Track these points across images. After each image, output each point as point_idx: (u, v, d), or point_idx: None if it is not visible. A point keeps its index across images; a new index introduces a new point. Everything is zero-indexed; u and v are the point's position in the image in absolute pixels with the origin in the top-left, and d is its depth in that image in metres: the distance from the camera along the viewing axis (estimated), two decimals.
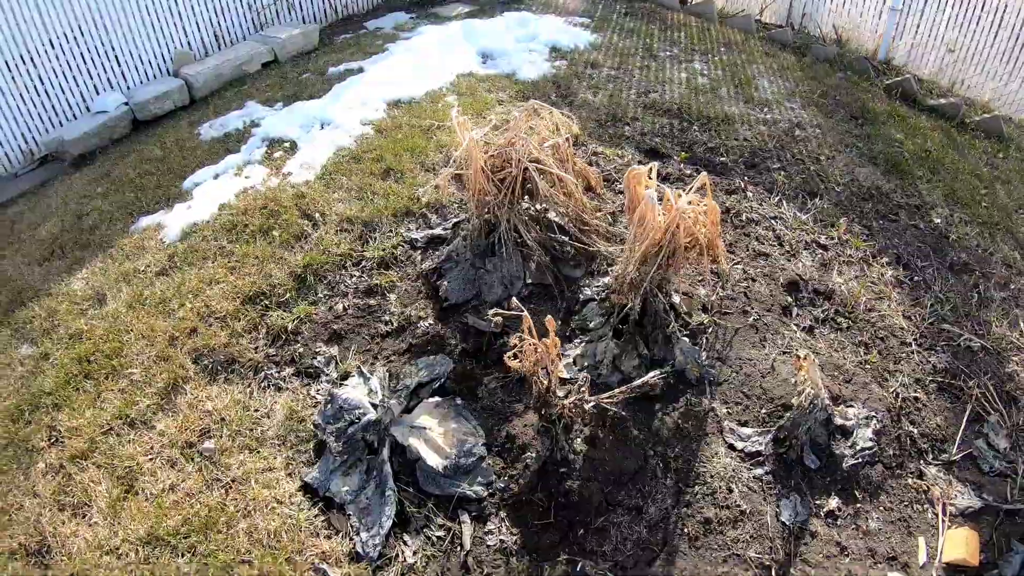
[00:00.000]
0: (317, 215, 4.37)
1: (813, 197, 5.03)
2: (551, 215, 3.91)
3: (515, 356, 2.64)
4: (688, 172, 5.05)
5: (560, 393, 2.79)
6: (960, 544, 2.89)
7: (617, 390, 2.95)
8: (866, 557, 2.83)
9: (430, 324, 3.60)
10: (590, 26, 7.60)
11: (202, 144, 5.55)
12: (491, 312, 2.85)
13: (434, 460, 2.85)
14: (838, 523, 2.93)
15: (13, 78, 5.94)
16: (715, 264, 3.34)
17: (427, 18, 7.95)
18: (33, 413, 3.65)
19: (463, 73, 6.20)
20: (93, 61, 6.32)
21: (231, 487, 3.03)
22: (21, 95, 6.02)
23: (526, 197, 3.78)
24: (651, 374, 3.04)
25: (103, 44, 6.32)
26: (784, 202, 4.91)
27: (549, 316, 2.63)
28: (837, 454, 3.10)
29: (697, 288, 3.91)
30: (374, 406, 2.99)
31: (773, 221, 4.66)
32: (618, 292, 3.26)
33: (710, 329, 3.67)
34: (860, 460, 3.10)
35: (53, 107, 6.30)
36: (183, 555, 2.83)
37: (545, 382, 2.64)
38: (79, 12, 6.07)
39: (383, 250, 4.08)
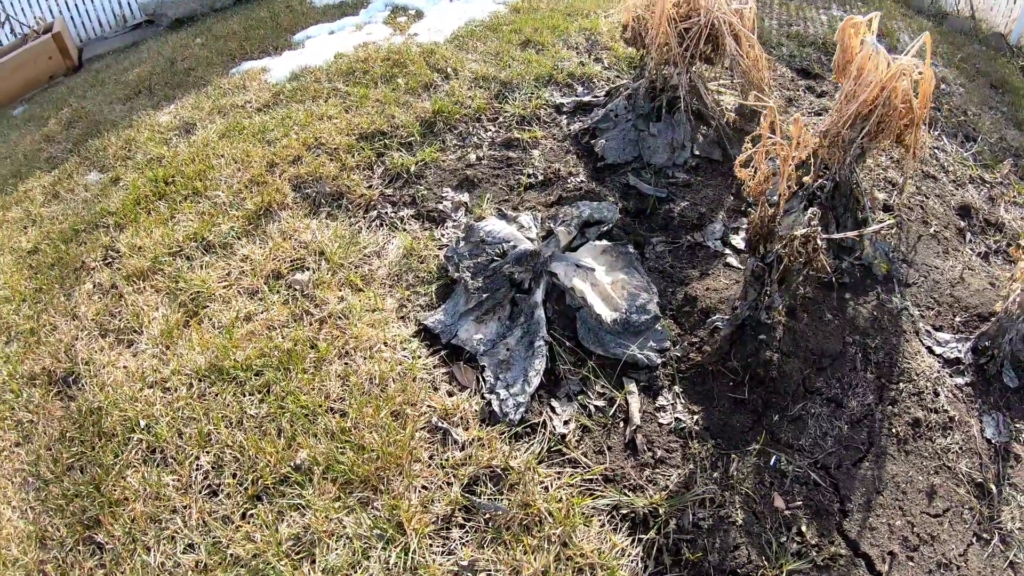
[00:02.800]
0: (448, 69, 3.65)
1: (969, 140, 4.29)
2: (718, 88, 3.14)
3: (746, 163, 1.86)
4: None
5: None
6: None
7: (850, 232, 2.17)
8: None
9: (582, 180, 2.84)
10: None
11: (315, 8, 4.91)
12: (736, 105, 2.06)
13: (602, 309, 2.09)
14: None
15: None
16: (912, 154, 2.58)
17: None
18: (90, 233, 2.99)
19: None
20: None
21: (325, 323, 2.30)
22: None
23: (702, 61, 3.01)
24: (881, 223, 2.27)
25: None
26: (944, 137, 4.15)
27: (797, 115, 1.84)
28: None
29: (875, 191, 3.14)
30: (529, 239, 2.23)
31: (935, 151, 3.94)
32: (828, 148, 2.50)
33: (893, 230, 2.90)
34: None
35: None
36: (251, 394, 2.11)
37: (771, 208, 1.86)
38: None
39: (524, 109, 3.33)
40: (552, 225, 2.39)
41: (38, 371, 2.45)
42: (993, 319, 2.48)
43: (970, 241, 3.26)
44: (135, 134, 3.68)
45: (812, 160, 2.66)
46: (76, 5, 5.75)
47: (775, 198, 1.91)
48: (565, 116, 3.30)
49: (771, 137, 1.79)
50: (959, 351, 2.44)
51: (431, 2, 4.57)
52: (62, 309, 2.67)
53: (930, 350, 2.43)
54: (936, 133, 4.29)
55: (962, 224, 3.35)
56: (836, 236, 2.14)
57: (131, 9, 5.78)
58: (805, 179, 2.65)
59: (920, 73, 2.59)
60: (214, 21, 5.15)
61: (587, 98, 3.39)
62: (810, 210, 2.00)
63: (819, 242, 1.94)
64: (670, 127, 2.97)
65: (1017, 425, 2.26)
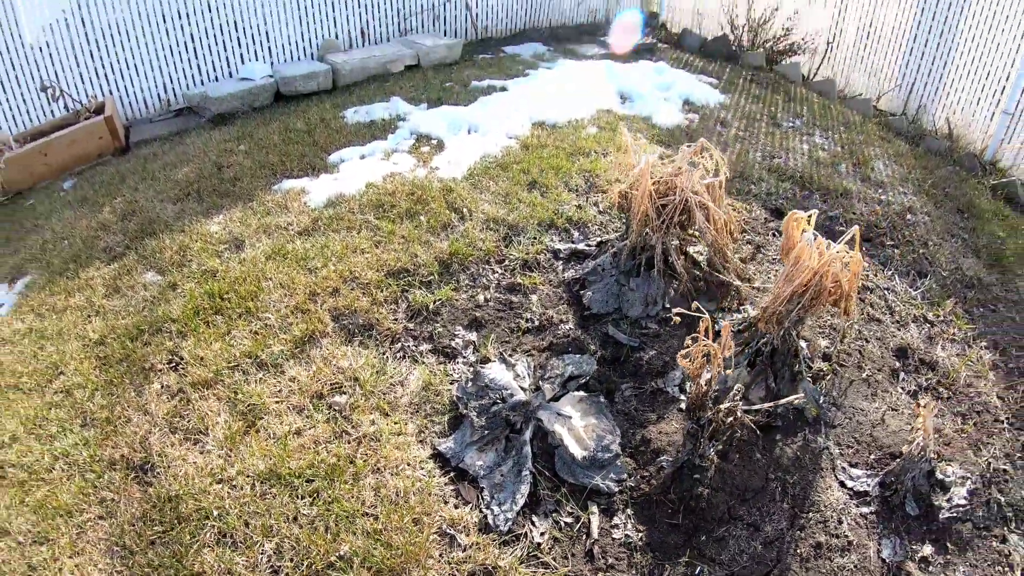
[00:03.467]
0: (464, 210, 4.56)
1: (922, 276, 5.17)
2: (691, 249, 4.05)
3: (685, 356, 2.74)
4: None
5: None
6: None
7: (766, 405, 3.04)
8: None
9: (571, 328, 3.72)
10: (718, 87, 7.86)
11: (347, 126, 5.82)
12: (675, 311, 2.94)
13: (575, 449, 2.93)
14: (929, 570, 2.99)
15: (167, 31, 6.36)
16: (846, 315, 3.47)
17: (564, 53, 8.28)
18: (154, 335, 3.82)
19: (603, 108, 6.44)
20: (244, 31, 6.71)
21: (361, 442, 3.14)
22: (170, 47, 6.41)
23: (678, 227, 3.92)
24: (793, 397, 3.14)
25: (255, 16, 6.70)
26: (896, 276, 5.04)
27: (726, 322, 2.73)
28: (935, 505, 3.21)
29: (818, 339, 4.01)
30: (522, 389, 3.09)
31: (886, 292, 4.82)
32: (764, 321, 3.38)
33: (828, 377, 3.78)
34: (954, 515, 3.20)
35: (198, 66, 6.69)
36: (303, 498, 2.93)
37: (704, 386, 2.74)
38: None
39: (527, 254, 4.23)
40: (542, 376, 3.26)
41: (117, 457, 3.24)
42: (900, 459, 3.34)
43: (902, 380, 4.11)
44: (188, 241, 4.53)
45: (768, 316, 3.54)
46: (125, 87, 6.63)
47: (707, 376, 2.79)
48: (561, 262, 4.20)
49: (705, 341, 2.67)
50: (868, 485, 3.29)
51: (451, 132, 5.52)
52: (134, 404, 3.47)
53: (842, 484, 3.28)
54: (889, 273, 5.17)
55: (897, 365, 4.19)
56: (755, 407, 3.00)
57: (175, 95, 6.69)
58: (761, 325, 3.54)
59: (849, 258, 3.44)
60: (255, 124, 6.05)
61: (581, 246, 4.29)
62: (736, 386, 2.88)
63: (739, 413, 2.81)
64: (647, 283, 3.86)
65: (913, 547, 3.10)
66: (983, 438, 3.80)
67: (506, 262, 4.20)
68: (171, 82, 6.68)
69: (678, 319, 2.95)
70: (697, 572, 2.76)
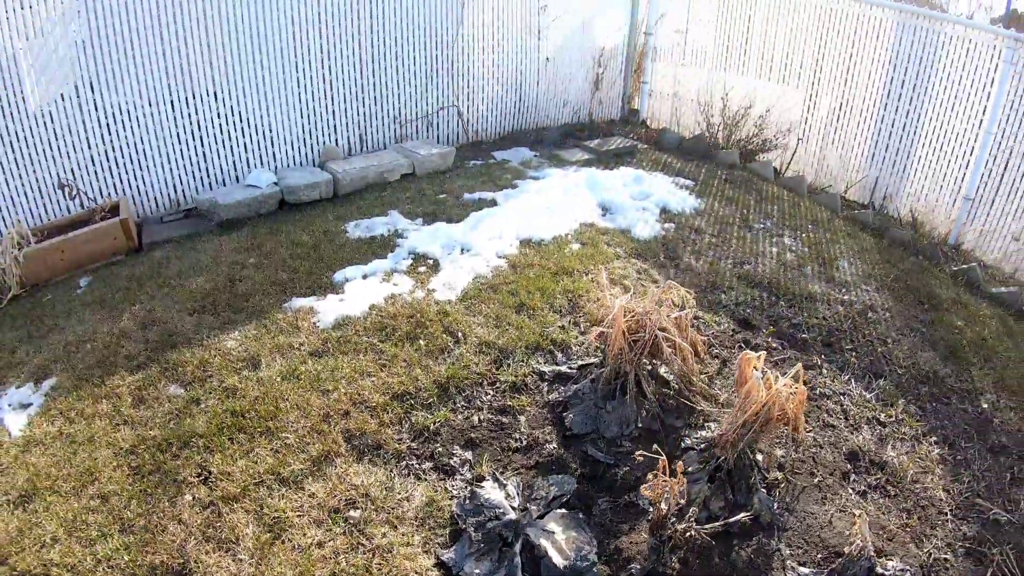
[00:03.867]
0: (459, 334, 5.29)
1: (878, 378, 5.88)
2: (662, 371, 4.82)
3: (648, 488, 3.46)
4: (774, 345, 5.96)
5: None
6: None
7: (719, 523, 3.76)
8: None
9: (554, 448, 4.43)
10: (694, 189, 8.71)
11: (350, 241, 6.57)
12: (637, 454, 3.67)
13: (557, 559, 3.61)
14: None
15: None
16: (796, 433, 4.22)
17: (551, 160, 9.14)
18: (182, 449, 4.45)
19: (586, 223, 7.25)
20: (250, 137, 7.51)
21: (375, 553, 3.79)
22: (181, 151, 7.19)
23: (649, 356, 4.68)
24: (742, 515, 3.85)
25: (261, 123, 7.51)
26: (852, 380, 5.75)
27: (680, 462, 3.47)
28: None
29: (775, 449, 4.74)
30: (512, 508, 3.79)
31: (842, 397, 5.51)
32: (720, 447, 4.12)
33: (782, 485, 4.49)
34: None
35: (207, 169, 7.44)
36: None
37: (664, 509, 3.45)
38: (248, 93, 7.30)
39: (516, 376, 4.96)
40: (529, 496, 3.97)
41: (157, 563, 3.82)
42: (840, 559, 4.03)
43: (852, 482, 4.82)
44: (208, 356, 5.18)
45: (723, 441, 4.28)
46: (137, 187, 7.33)
47: (664, 505, 3.50)
48: (546, 384, 4.93)
49: (663, 478, 3.40)
50: None
51: (446, 252, 6.28)
52: (168, 513, 4.07)
53: None
54: (846, 378, 5.87)
55: (848, 468, 4.85)
56: (707, 528, 3.72)
57: (185, 198, 7.43)
58: (715, 450, 4.26)
59: (797, 388, 4.18)
60: (263, 234, 6.74)
61: (564, 368, 5.02)
62: (691, 508, 3.59)
63: (693, 532, 3.51)
64: (622, 406, 4.59)
65: None
66: (926, 531, 4.50)
67: (497, 384, 4.92)
68: (180, 183, 7.40)
69: (640, 457, 3.67)
70: None
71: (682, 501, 3.83)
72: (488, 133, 9.81)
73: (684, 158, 10.12)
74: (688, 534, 3.54)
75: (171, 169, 7.31)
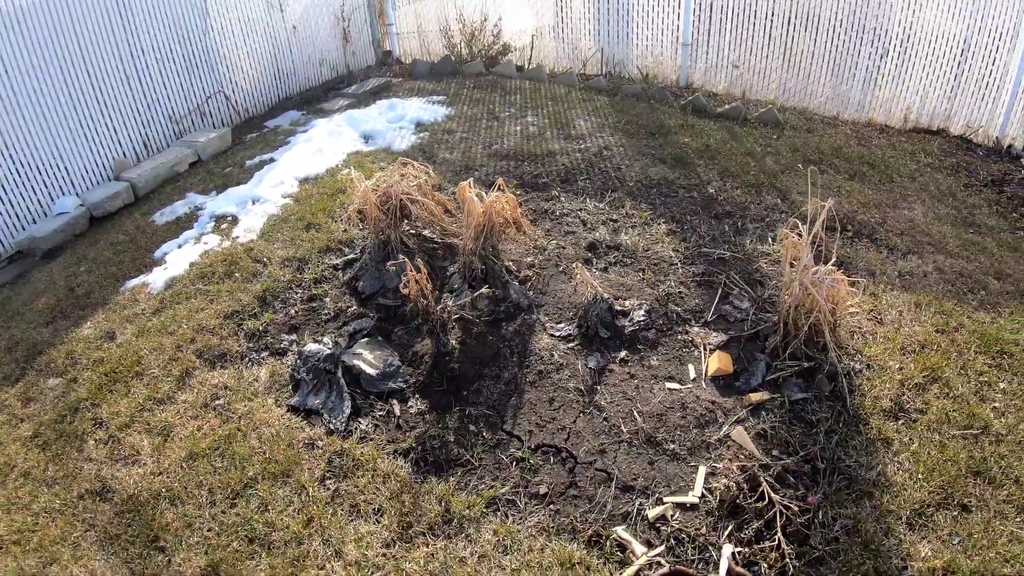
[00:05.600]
0: (264, 259, 6.48)
1: (610, 192, 7.47)
2: (426, 232, 6.19)
3: (403, 287, 4.85)
4: (518, 192, 7.45)
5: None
6: (720, 361, 4.83)
7: (467, 297, 5.21)
8: (650, 380, 5.01)
9: (355, 309, 5.74)
10: (446, 102, 10.10)
11: (159, 228, 7.58)
12: (388, 264, 5.04)
13: (370, 370, 4.94)
14: (629, 366, 5.14)
15: None
16: (523, 234, 5.67)
17: (316, 113, 10.29)
18: (75, 414, 5.44)
19: (351, 152, 8.50)
20: (47, 171, 8.26)
21: (241, 418, 5.02)
22: None
23: (405, 220, 6.04)
24: (484, 289, 5.30)
25: (54, 156, 8.27)
26: (587, 199, 7.31)
27: (419, 261, 4.85)
28: (619, 326, 5.34)
29: (525, 258, 6.21)
30: (328, 348, 5.10)
31: (579, 212, 7.04)
32: (464, 255, 5.52)
33: (533, 278, 5.97)
34: (636, 328, 5.33)
35: (16, 213, 8.15)
36: (217, 459, 4.78)
37: (424, 302, 4.84)
38: (30, 128, 8.04)
39: (316, 274, 6.21)
40: (339, 338, 5.29)
41: (83, 492, 4.81)
42: (581, 307, 5.52)
43: (596, 263, 6.33)
44: (72, 347, 6.13)
45: (465, 252, 5.68)
46: None
47: (423, 301, 4.88)
48: (341, 270, 6.22)
49: (415, 275, 4.76)
50: (569, 329, 5.44)
51: (240, 207, 7.39)
52: (80, 458, 5.04)
53: (552, 335, 5.42)
54: (582, 199, 7.38)
55: (589, 255, 6.33)
56: (460, 302, 5.14)
57: (4, 245, 8.14)
58: (462, 260, 5.67)
59: (507, 197, 5.59)
60: (84, 247, 7.60)
61: (351, 256, 6.32)
62: (458, 303, 4.99)
63: (451, 308, 4.92)
64: (393, 257, 5.93)
65: (612, 355, 5.16)
66: (660, 279, 6.03)
67: (303, 284, 6.16)
68: None
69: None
70: (467, 413, 4.84)
71: (449, 303, 5.23)
72: (258, 107, 10.81)
73: (436, 80, 11.45)
74: (447, 313, 4.94)
75: None
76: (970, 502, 4.12)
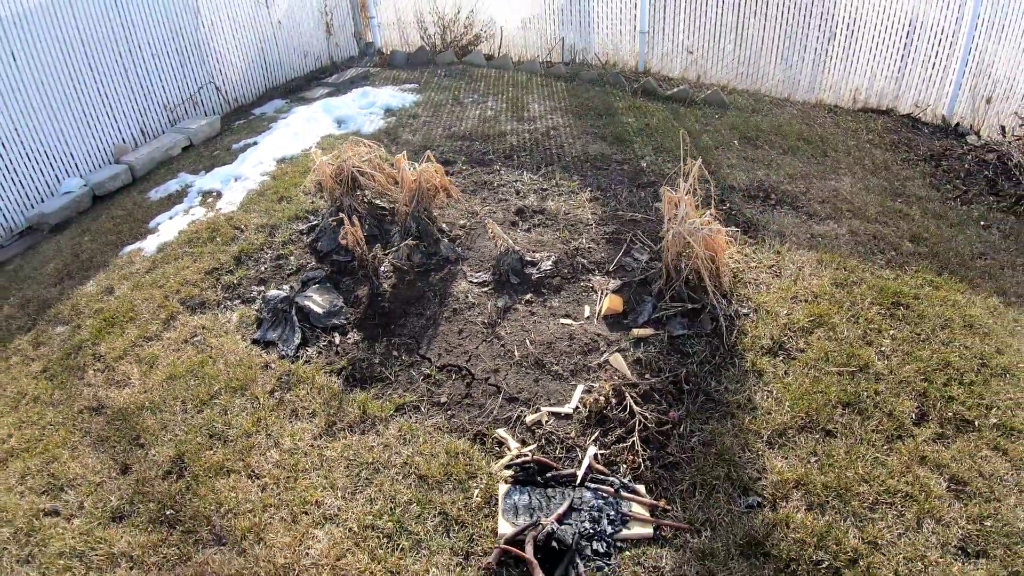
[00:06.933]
0: (242, 226, 7.82)
1: (546, 165, 8.65)
2: (377, 201, 7.55)
3: (342, 238, 6.20)
4: (464, 168, 8.73)
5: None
6: (612, 302, 5.83)
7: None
8: (548, 317, 6.23)
9: (314, 264, 7.06)
10: (416, 89, 11.39)
11: (154, 203, 8.94)
12: (333, 221, 6.38)
13: (319, 310, 6.27)
14: (532, 306, 6.35)
15: None
16: (452, 199, 6.99)
17: (297, 101, 11.63)
18: (78, 352, 6.73)
19: (325, 135, 9.84)
20: (53, 155, 9.64)
21: (212, 349, 6.36)
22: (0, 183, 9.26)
23: (358, 190, 7.39)
24: (409, 240, 6.62)
25: (60, 141, 9.65)
26: (524, 173, 8.50)
27: (355, 218, 6.19)
28: (527, 273, 6.57)
29: (458, 221, 7.51)
30: (285, 292, 6.48)
31: (515, 183, 8.24)
32: (400, 215, 6.84)
33: (463, 237, 7.24)
34: (542, 275, 6.55)
35: (27, 193, 9.52)
36: (191, 380, 6.10)
37: (359, 250, 6.19)
38: (38, 116, 9.46)
39: (284, 238, 7.55)
40: (295, 284, 6.65)
41: (82, 408, 6.08)
42: (495, 259, 6.82)
43: (521, 225, 7.62)
44: (76, 301, 7.47)
45: (400, 214, 7.02)
46: None
47: (357, 250, 6.22)
48: (305, 235, 7.57)
49: (352, 230, 6.11)
50: (484, 276, 6.69)
51: (225, 184, 8.73)
52: (81, 385, 6.35)
53: (470, 281, 6.67)
54: (519, 172, 8.60)
55: (516, 219, 7.61)
56: (391, 251, 6.49)
57: (15, 222, 9.54)
58: (398, 221, 7.02)
59: (434, 167, 6.94)
60: (88, 221, 8.94)
61: (315, 222, 7.66)
62: (377, 245, 6.33)
63: (377, 261, 6.26)
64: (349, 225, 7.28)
65: (519, 297, 6.35)
66: (574, 237, 7.28)
67: (273, 246, 7.49)
68: (8, 211, 9.41)
69: (349, 242, 6.39)
70: (392, 342, 6.14)
71: (381, 253, 6.57)
72: (246, 97, 12.16)
73: (411, 69, 12.76)
74: (379, 260, 6.31)
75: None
76: (835, 429, 4.69)
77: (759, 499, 4.30)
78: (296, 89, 12.27)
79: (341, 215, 6.98)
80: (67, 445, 5.38)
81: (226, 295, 6.95)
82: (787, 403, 4.95)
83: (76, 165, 9.83)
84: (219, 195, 8.59)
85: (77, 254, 8.25)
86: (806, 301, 5.95)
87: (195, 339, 6.44)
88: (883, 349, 5.41)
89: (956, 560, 3.90)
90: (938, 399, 4.94)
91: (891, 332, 5.59)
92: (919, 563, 3.89)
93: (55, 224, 9.23)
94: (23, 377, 6.43)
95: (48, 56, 9.24)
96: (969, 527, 4.07)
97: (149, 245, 7.89)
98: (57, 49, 9.35)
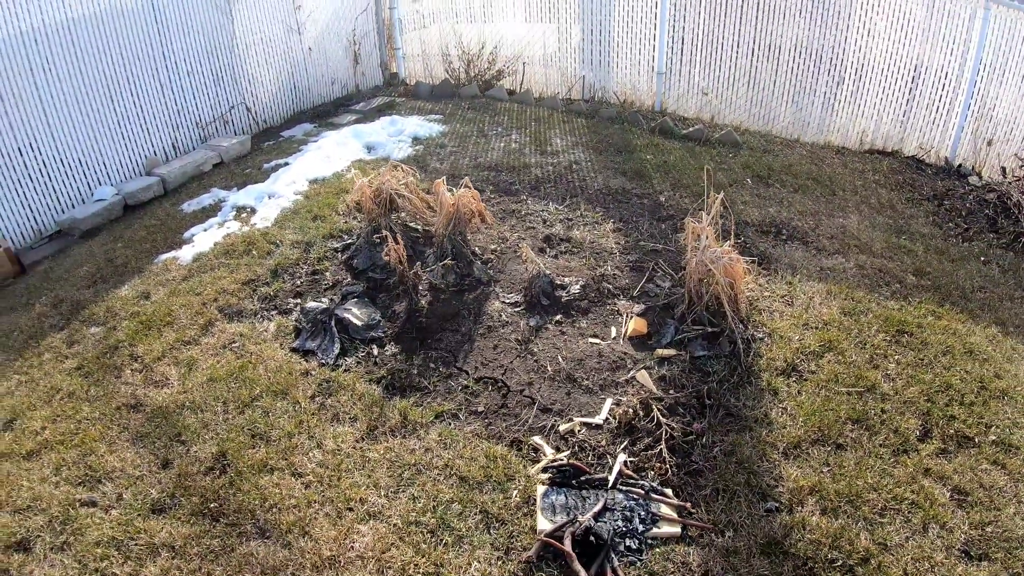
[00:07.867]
0: (277, 241, 8.22)
1: (571, 197, 9.04)
2: (411, 224, 8.01)
3: (385, 254, 6.64)
4: (493, 196, 9.14)
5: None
6: (637, 324, 6.14)
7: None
8: (577, 336, 6.60)
9: (351, 280, 7.47)
10: (442, 120, 11.85)
11: (187, 215, 9.36)
12: (374, 235, 6.84)
13: (357, 322, 6.68)
14: (562, 326, 6.72)
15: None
16: (487, 224, 7.46)
17: (326, 126, 12.12)
18: (114, 352, 7.03)
19: (355, 160, 10.28)
20: (87, 164, 10.08)
21: (252, 355, 6.75)
22: (34, 187, 9.64)
23: (394, 212, 7.86)
24: (447, 260, 7.05)
25: (94, 150, 10.09)
26: (550, 203, 8.88)
27: (399, 235, 6.65)
28: (557, 296, 6.95)
29: (490, 245, 7.91)
30: (325, 304, 6.90)
31: (541, 212, 8.63)
32: (436, 237, 7.28)
33: (495, 260, 7.61)
34: (571, 298, 6.95)
35: (59, 198, 9.94)
36: (231, 383, 6.50)
37: (400, 267, 6.63)
38: (75, 124, 9.92)
39: (319, 254, 7.97)
40: (334, 297, 7.09)
41: (120, 405, 6.41)
42: (527, 281, 7.25)
43: (549, 252, 8.08)
44: (111, 304, 7.79)
45: (438, 234, 7.47)
46: (5, 221, 9.73)
47: (406, 273, 6.67)
48: (340, 252, 8.01)
49: (396, 249, 6.56)
50: (516, 297, 7.04)
51: (258, 201, 9.17)
52: (118, 383, 6.60)
53: (503, 302, 7.04)
54: (545, 203, 9.03)
55: (544, 246, 8.03)
56: (428, 270, 6.94)
57: (45, 225, 9.92)
58: (434, 241, 7.48)
59: (472, 193, 7.41)
60: (120, 230, 9.29)
61: (349, 241, 8.08)
62: (416, 264, 6.78)
63: (416, 278, 6.71)
64: (384, 244, 7.73)
65: (549, 318, 6.71)
66: (599, 264, 7.65)
67: (309, 261, 7.91)
68: (41, 214, 9.66)
69: (392, 259, 6.84)
70: (429, 355, 6.52)
71: (422, 274, 7.02)
72: (275, 119, 12.67)
73: (435, 101, 13.30)
74: (419, 277, 6.75)
75: (32, 202, 9.79)
76: (845, 442, 5.07)
77: (777, 504, 4.67)
78: (324, 114, 12.79)
79: (383, 233, 7.38)
80: (104, 439, 5.52)
81: (263, 305, 7.34)
82: (800, 419, 5.36)
83: (108, 175, 10.25)
84: (253, 211, 9.02)
85: (111, 259, 8.60)
86: (816, 328, 6.40)
87: (234, 345, 6.79)
88: (889, 372, 5.83)
89: (960, 562, 4.26)
90: (940, 417, 5.35)
91: (896, 357, 6.02)
92: (926, 563, 4.24)
93: (86, 230, 9.59)
94: (56, 373, 6.62)
95: (89, 66, 9.69)
96: (972, 532, 4.43)
97: (185, 255, 8.28)
98: (98, 59, 9.80)
